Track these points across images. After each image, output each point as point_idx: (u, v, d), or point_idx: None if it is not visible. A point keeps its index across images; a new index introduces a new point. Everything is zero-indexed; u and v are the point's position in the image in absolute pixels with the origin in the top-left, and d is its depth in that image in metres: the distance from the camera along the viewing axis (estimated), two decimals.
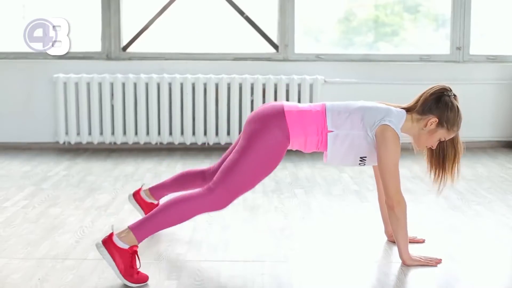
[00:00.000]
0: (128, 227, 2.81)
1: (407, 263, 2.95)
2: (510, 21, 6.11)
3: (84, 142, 5.68)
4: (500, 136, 5.96)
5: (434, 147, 3.03)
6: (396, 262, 2.99)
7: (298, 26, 5.83)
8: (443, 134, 2.99)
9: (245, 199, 4.00)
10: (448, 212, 3.84)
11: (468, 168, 5.04)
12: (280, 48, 5.81)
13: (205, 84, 5.64)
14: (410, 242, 3.21)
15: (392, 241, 3.25)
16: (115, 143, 5.75)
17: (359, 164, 3.02)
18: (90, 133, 5.69)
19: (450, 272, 2.90)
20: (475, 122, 5.90)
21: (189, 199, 2.87)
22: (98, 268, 2.89)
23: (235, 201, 3.76)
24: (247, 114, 5.62)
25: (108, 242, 2.74)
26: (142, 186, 3.51)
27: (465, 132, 5.82)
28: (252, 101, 5.65)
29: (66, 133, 5.67)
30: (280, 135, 2.89)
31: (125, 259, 2.73)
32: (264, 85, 5.63)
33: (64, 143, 5.71)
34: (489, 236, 3.43)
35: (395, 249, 3.12)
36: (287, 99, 5.65)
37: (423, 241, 3.27)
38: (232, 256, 3.09)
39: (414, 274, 2.88)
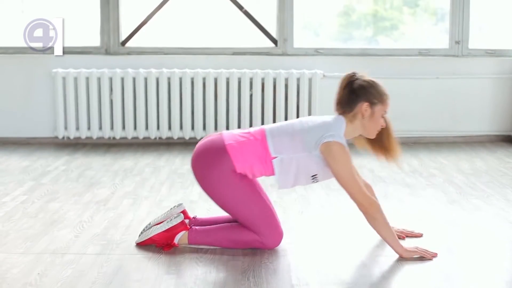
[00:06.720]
0: (190, 228, 3.10)
1: (404, 256, 2.96)
2: (508, 15, 6.10)
3: (83, 137, 5.68)
4: (498, 130, 5.96)
5: (385, 125, 3.04)
6: (394, 255, 3.00)
7: (297, 20, 5.82)
8: (381, 110, 3.01)
9: None
10: (446, 206, 3.85)
11: (466, 162, 5.05)
12: (279, 43, 5.81)
13: (204, 79, 5.63)
14: (408, 236, 3.23)
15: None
16: (114, 138, 5.75)
17: (312, 181, 3.07)
18: (89, 128, 5.69)
19: (448, 265, 2.91)
20: (474, 116, 5.91)
21: (251, 234, 3.04)
22: (97, 262, 2.89)
23: None
24: (246, 109, 5.63)
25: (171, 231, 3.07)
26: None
27: (464, 126, 5.92)
28: (251, 96, 5.65)
29: (65, 128, 5.68)
30: (231, 168, 2.96)
31: (164, 240, 3.06)
32: (263, 79, 5.63)
33: (63, 138, 5.71)
34: (488, 230, 3.43)
35: None
36: (286, 94, 5.65)
37: (421, 235, 3.28)
38: (231, 250, 3.09)
39: (412, 268, 2.88)
